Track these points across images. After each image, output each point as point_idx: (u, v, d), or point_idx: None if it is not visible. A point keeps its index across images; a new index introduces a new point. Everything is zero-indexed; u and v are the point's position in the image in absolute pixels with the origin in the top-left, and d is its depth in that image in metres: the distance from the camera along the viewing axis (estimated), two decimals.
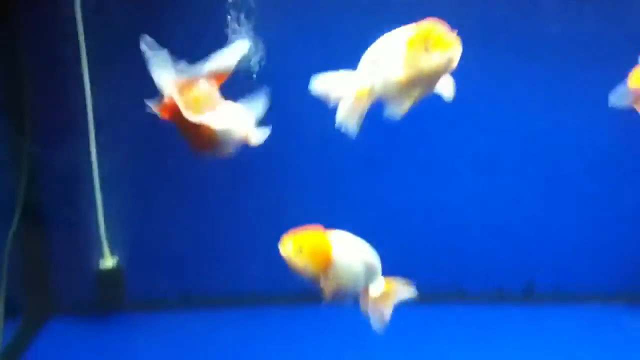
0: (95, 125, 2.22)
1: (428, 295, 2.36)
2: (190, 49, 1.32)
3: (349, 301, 1.46)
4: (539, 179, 2.34)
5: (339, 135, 2.29)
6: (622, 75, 1.49)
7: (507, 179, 2.34)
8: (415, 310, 2.32)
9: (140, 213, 2.33)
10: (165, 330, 2.31)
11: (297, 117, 2.12)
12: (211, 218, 2.36)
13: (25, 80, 2.22)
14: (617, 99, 1.51)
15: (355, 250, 1.42)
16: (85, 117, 2.21)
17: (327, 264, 1.38)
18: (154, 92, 1.37)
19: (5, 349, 2.11)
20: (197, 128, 1.35)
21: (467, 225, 2.37)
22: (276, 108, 1.47)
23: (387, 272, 1.47)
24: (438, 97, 1.36)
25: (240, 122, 1.41)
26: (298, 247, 1.37)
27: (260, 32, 1.84)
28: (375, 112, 2.21)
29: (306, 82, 1.39)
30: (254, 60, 1.85)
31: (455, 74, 1.31)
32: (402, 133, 2.27)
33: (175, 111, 1.33)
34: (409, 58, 1.21)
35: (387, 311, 1.46)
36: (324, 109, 2.08)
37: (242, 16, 1.88)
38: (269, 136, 1.46)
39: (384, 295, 1.46)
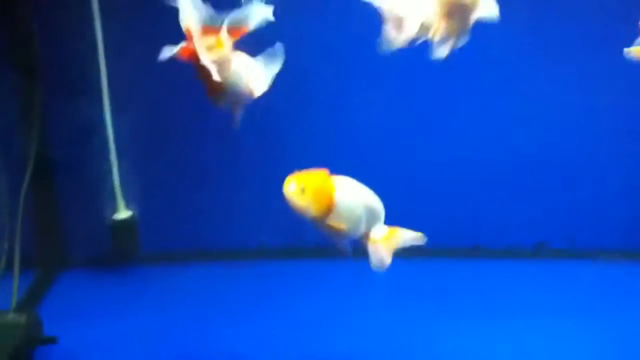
0: (109, 79, 2.21)
1: (441, 250, 2.40)
2: None
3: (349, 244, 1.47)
4: (552, 134, 2.32)
5: (353, 89, 2.29)
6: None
7: (520, 135, 2.32)
8: (428, 264, 2.37)
9: (154, 166, 2.32)
10: (179, 282, 2.32)
11: (309, 71, 2.12)
12: (225, 171, 2.35)
13: (34, 34, 2.20)
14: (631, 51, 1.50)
15: (358, 194, 1.43)
16: (99, 71, 2.20)
17: (329, 206, 1.39)
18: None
19: (19, 301, 2.13)
20: (208, 74, 1.36)
21: (480, 181, 2.36)
22: (286, 62, 1.47)
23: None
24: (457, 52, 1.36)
25: (248, 74, 1.43)
26: (300, 186, 1.37)
27: None
28: (392, 64, 2.20)
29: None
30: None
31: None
32: (418, 87, 2.25)
33: (193, 53, 1.35)
34: None
35: (387, 254, 1.47)
36: (336, 62, 2.06)
37: None
38: (283, 90, 1.46)
39: (386, 239, 1.46)
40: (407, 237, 1.48)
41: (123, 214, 2.33)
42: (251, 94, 1.46)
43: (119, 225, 2.33)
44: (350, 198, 1.41)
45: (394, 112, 2.29)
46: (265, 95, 1.48)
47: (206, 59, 1.35)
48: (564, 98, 2.27)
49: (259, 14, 1.39)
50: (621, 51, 1.78)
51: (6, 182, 2.17)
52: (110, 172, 2.28)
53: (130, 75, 2.21)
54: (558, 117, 2.30)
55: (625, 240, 2.40)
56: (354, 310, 2.15)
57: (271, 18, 1.39)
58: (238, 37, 1.41)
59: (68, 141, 2.30)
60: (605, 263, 2.38)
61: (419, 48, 1.44)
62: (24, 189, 2.17)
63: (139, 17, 2.15)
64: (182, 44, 1.34)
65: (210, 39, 1.38)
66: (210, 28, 1.38)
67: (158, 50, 1.33)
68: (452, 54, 1.43)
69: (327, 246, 1.48)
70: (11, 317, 1.84)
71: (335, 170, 1.43)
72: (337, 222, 1.40)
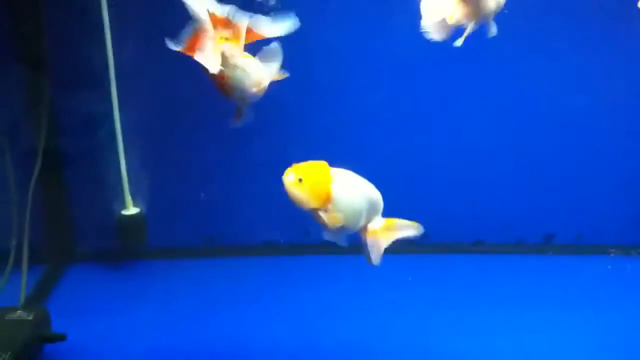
0: (117, 73, 2.21)
1: (446, 245, 2.40)
2: None
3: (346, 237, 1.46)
4: (560, 128, 2.32)
5: (355, 84, 2.28)
6: None
7: (528, 129, 2.32)
8: (433, 259, 2.37)
9: (162, 161, 2.32)
10: (186, 277, 2.32)
11: (312, 69, 2.14)
12: (232, 168, 2.35)
13: (43, 28, 2.20)
14: None
15: (356, 186, 1.43)
16: (107, 65, 2.19)
17: (327, 197, 1.39)
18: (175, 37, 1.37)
19: (28, 295, 2.14)
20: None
21: (487, 176, 2.36)
22: (287, 60, 1.47)
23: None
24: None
25: (253, 72, 1.47)
26: (298, 176, 1.38)
27: None
28: (394, 58, 2.19)
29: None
30: None
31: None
32: (421, 82, 2.25)
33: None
34: None
35: (382, 245, 1.47)
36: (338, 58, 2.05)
37: None
38: (286, 87, 1.46)
39: (383, 230, 1.46)
40: (405, 227, 1.48)
41: (131, 209, 2.33)
42: (255, 91, 1.48)
43: (126, 220, 2.33)
44: (348, 189, 1.42)
45: (397, 105, 2.29)
46: (269, 93, 1.48)
47: (209, 50, 1.37)
48: (570, 92, 2.27)
49: (285, 28, 1.45)
50: (621, 51, 1.79)
51: (14, 177, 2.17)
52: (118, 167, 2.28)
53: (138, 69, 2.20)
54: (566, 111, 2.30)
55: (632, 236, 2.42)
56: (358, 305, 2.15)
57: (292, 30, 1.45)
58: (252, 40, 1.45)
59: (76, 136, 2.29)
60: (611, 258, 2.39)
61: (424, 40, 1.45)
62: (32, 184, 2.17)
63: (147, 11, 2.15)
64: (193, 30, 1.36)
65: (227, 32, 1.42)
66: (226, 20, 1.42)
67: (167, 45, 1.33)
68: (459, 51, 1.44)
69: (328, 241, 1.48)
70: (19, 314, 1.84)
71: (338, 166, 1.44)
72: (335, 214, 1.40)
